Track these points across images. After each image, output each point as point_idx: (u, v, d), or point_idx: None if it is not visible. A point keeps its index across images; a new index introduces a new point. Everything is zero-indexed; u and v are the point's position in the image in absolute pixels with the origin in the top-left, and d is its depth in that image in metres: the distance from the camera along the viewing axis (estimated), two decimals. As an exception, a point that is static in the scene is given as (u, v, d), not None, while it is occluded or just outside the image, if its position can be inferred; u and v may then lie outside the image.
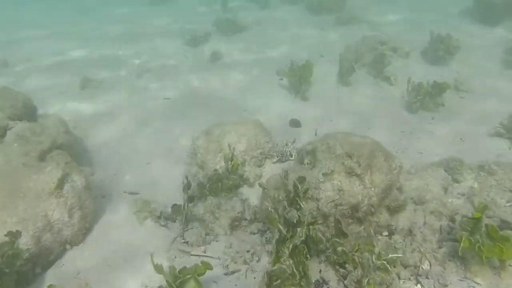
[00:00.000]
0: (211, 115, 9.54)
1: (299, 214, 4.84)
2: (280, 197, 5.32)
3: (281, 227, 4.83)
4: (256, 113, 9.58)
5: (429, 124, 8.84)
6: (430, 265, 5.16)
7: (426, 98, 9.37)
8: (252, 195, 6.75)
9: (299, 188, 4.95)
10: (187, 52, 14.22)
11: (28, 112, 7.71)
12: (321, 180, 5.40)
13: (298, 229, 4.82)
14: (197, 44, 14.73)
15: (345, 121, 9.17)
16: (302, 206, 4.97)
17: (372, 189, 5.39)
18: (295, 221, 4.79)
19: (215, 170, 6.46)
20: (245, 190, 6.85)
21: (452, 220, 5.75)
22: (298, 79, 10.29)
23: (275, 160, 7.33)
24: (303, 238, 4.68)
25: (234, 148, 6.67)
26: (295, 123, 9.16)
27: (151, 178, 7.57)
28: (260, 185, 6.19)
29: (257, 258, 5.45)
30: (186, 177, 6.23)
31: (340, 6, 17.61)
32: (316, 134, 8.71)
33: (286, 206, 4.85)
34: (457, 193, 6.38)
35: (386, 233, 5.62)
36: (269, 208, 4.97)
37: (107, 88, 11.44)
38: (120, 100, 10.73)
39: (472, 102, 9.58)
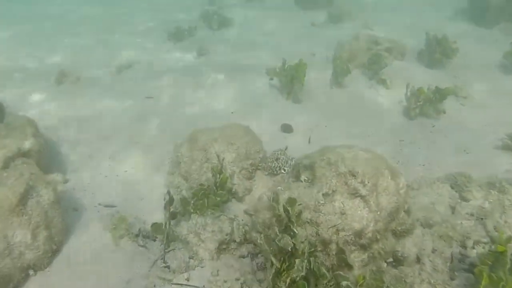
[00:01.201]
0: (196, 118, 8.86)
1: (294, 242, 4.21)
2: (270, 222, 4.67)
3: (274, 259, 4.20)
4: (245, 116, 8.90)
5: (430, 133, 8.31)
6: (441, 299, 4.60)
7: (427, 104, 8.83)
8: (241, 211, 6.11)
9: (290, 211, 4.32)
10: (171, 47, 13.42)
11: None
12: (321, 201, 4.78)
13: (297, 261, 4.19)
14: (182, 38, 13.93)
15: (340, 126, 8.58)
16: (296, 232, 4.34)
17: (378, 212, 4.80)
18: (290, 249, 4.16)
19: (201, 184, 5.77)
20: (233, 205, 6.20)
21: (463, 246, 5.21)
22: (290, 79, 9.63)
23: (266, 172, 6.67)
24: (303, 274, 4.06)
25: (223, 158, 5.98)
26: (287, 128, 8.53)
27: (129, 188, 6.85)
28: (246, 212, 5.54)
29: (247, 289, 4.81)
30: (168, 192, 5.53)
31: (331, 0, 16.98)
32: (309, 142, 8.10)
33: (278, 233, 4.20)
34: (465, 213, 5.86)
35: (391, 260, 5.05)
36: (259, 240, 4.30)
37: (85, 84, 10.59)
38: (99, 97, 9.91)
39: (473, 109, 9.09)
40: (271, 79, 10.48)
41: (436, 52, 10.93)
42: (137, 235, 5.72)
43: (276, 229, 4.32)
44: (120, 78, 10.98)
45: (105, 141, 8.05)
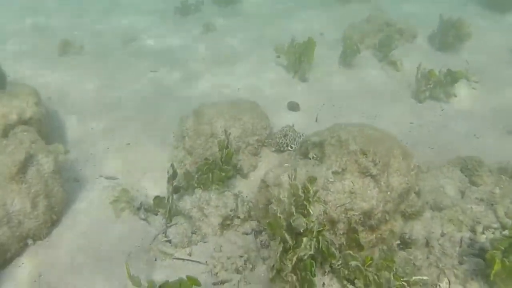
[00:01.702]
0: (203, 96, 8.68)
1: (306, 222, 4.07)
2: (285, 199, 4.51)
3: (287, 236, 4.06)
4: (251, 93, 8.71)
5: (440, 116, 8.11)
6: (450, 284, 4.49)
7: (437, 87, 8.61)
8: (245, 187, 5.99)
9: (310, 190, 4.16)
10: (176, 21, 13.11)
11: (-6, 79, 6.74)
12: (330, 179, 4.63)
13: (305, 239, 4.06)
14: (188, 13, 13.60)
15: (348, 106, 8.38)
16: (311, 212, 4.18)
17: (388, 193, 4.65)
18: (301, 231, 4.02)
19: (206, 159, 5.62)
20: (238, 182, 6.06)
21: (473, 230, 5.07)
22: (298, 57, 9.39)
23: (273, 149, 6.50)
24: (311, 252, 3.93)
25: (230, 133, 5.81)
26: (293, 106, 8.33)
27: (132, 161, 6.70)
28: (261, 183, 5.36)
29: (251, 266, 4.70)
30: (172, 165, 5.38)
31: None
32: (316, 120, 7.92)
33: (294, 212, 4.05)
34: (475, 198, 5.70)
35: (399, 243, 4.93)
36: (278, 213, 4.15)
37: (89, 55, 10.35)
38: (104, 69, 9.70)
39: (485, 94, 8.85)
40: (278, 56, 10.24)
41: (449, 35, 10.62)
42: (138, 209, 5.60)
43: (293, 208, 4.13)
44: (125, 51, 10.73)
45: (109, 114, 7.88)
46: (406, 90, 9.14)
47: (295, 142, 6.41)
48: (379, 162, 4.65)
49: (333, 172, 4.68)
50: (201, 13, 13.73)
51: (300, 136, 6.55)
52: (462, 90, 8.79)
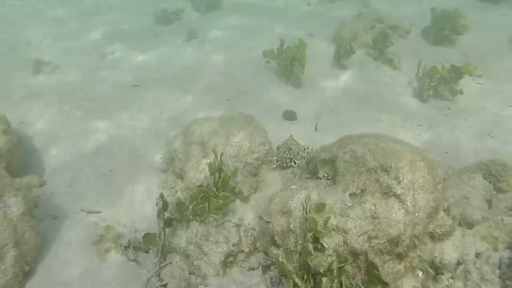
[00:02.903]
0: (188, 104, 7.98)
1: (325, 259, 3.39)
2: (296, 229, 3.83)
3: (298, 282, 3.38)
4: (242, 103, 8.04)
5: (447, 116, 7.52)
6: (495, 316, 3.84)
7: (441, 85, 8.02)
8: (247, 213, 5.29)
9: (319, 220, 3.49)
10: (157, 31, 12.37)
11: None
12: (348, 204, 3.96)
13: (324, 279, 3.38)
14: (169, 22, 12.89)
15: (348, 111, 7.76)
16: (326, 246, 3.51)
17: (416, 214, 3.99)
18: (321, 271, 3.34)
19: (200, 186, 4.91)
20: (238, 207, 5.37)
21: (511, 247, 4.44)
22: (290, 62, 8.75)
23: (274, 166, 5.82)
24: (336, 300, 3.26)
25: (222, 154, 5.11)
26: (290, 116, 7.68)
27: (116, 189, 5.97)
28: (260, 218, 4.68)
29: (262, 312, 4.00)
30: (161, 196, 4.67)
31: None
32: (316, 129, 7.28)
33: (311, 251, 3.37)
34: (503, 207, 5.07)
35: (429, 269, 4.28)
36: (279, 258, 3.47)
37: (65, 73, 9.58)
38: (83, 85, 8.95)
39: (492, 89, 8.29)
40: (268, 61, 9.60)
41: (445, 28, 10.08)
42: (126, 247, 4.87)
43: (310, 247, 3.45)
44: (103, 64, 9.97)
45: (91, 136, 7.13)
46: (407, 89, 8.56)
47: (299, 157, 5.74)
48: (404, 179, 4.00)
49: (350, 195, 4.02)
50: (182, 20, 13.02)
51: (304, 149, 5.87)
52: (467, 86, 8.19)
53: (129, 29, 12.29)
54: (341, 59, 9.38)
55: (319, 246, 3.54)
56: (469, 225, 4.69)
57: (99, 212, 5.63)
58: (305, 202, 3.75)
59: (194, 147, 5.57)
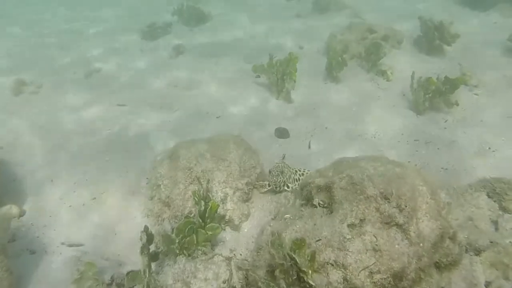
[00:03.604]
0: (175, 124, 7.65)
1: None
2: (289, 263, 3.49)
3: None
4: (232, 121, 7.74)
5: (445, 130, 7.24)
6: None
7: (436, 96, 7.77)
8: (238, 242, 4.95)
9: (297, 259, 3.17)
10: (144, 47, 12.07)
11: None
12: (347, 236, 3.63)
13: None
14: (156, 37, 12.61)
15: (342, 127, 7.47)
16: (313, 284, 3.19)
17: (421, 244, 3.68)
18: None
19: (186, 217, 4.57)
20: (228, 236, 5.03)
21: (522, 275, 4.13)
22: (281, 76, 8.47)
23: (265, 189, 5.49)
24: None
25: (208, 180, 4.78)
26: (282, 133, 7.38)
27: (99, 220, 5.61)
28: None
29: None
30: (145, 229, 4.32)
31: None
32: (309, 147, 6.98)
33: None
34: (511, 228, 4.78)
35: (436, 302, 3.94)
36: None
37: (47, 93, 9.23)
38: (63, 107, 8.61)
39: (489, 99, 8.05)
40: (258, 76, 9.36)
41: (435, 39, 9.88)
42: (109, 285, 4.51)
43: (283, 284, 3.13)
44: (88, 83, 9.64)
45: (71, 162, 6.78)
46: (401, 101, 8.30)
47: (291, 180, 5.41)
48: (406, 206, 3.69)
49: (349, 225, 3.70)
50: (170, 35, 12.74)
51: (295, 171, 5.56)
52: (463, 97, 7.95)
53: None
54: (333, 71, 9.13)
55: (307, 286, 3.21)
56: (476, 251, 4.38)
57: (82, 244, 5.26)
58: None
59: (181, 173, 5.23)
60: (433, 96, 7.78)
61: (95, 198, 5.94)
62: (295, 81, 8.46)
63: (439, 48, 10.14)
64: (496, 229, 4.83)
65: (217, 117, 7.96)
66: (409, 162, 6.38)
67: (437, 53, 10.19)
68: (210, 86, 9.19)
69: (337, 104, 8.24)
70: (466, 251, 4.40)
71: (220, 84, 9.21)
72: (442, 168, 6.23)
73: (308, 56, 10.39)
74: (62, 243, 5.29)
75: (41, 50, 12.03)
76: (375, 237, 3.64)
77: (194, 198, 4.60)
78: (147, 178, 6.18)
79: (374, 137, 7.14)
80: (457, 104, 7.72)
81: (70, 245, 5.24)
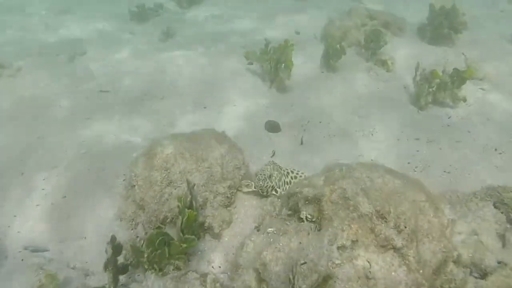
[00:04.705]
0: (158, 115, 7.12)
1: None
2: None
3: None
4: (220, 111, 7.20)
5: (448, 127, 6.73)
6: None
7: (441, 90, 7.23)
8: (217, 252, 4.48)
9: None
10: (132, 29, 11.41)
11: None
12: (336, 260, 3.15)
13: None
14: (146, 19, 11.93)
15: (338, 121, 6.95)
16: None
17: (421, 271, 3.20)
18: None
19: (158, 227, 4.08)
20: (207, 245, 4.55)
21: (533, 302, 3.67)
22: (275, 64, 7.90)
23: (249, 190, 4.97)
24: None
25: (194, 185, 4.26)
26: (273, 127, 6.85)
27: (68, 222, 5.12)
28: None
29: None
30: (112, 240, 3.82)
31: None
32: (302, 143, 6.47)
33: None
34: (520, 244, 4.31)
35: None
36: None
37: (27, 77, 8.61)
38: (47, 89, 8.02)
39: (496, 94, 7.53)
40: (250, 63, 8.78)
41: (444, 26, 9.27)
42: (72, 299, 4.04)
43: None
44: (71, 67, 9.03)
45: (42, 152, 6.25)
46: (402, 95, 7.78)
47: (281, 183, 4.91)
48: (405, 227, 3.20)
49: (339, 248, 3.21)
50: (160, 17, 12.06)
51: (287, 173, 5.05)
52: (468, 92, 7.40)
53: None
54: (330, 60, 8.55)
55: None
56: (482, 272, 3.91)
57: (46, 250, 4.78)
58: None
59: (157, 174, 4.72)
60: (437, 90, 7.25)
61: (65, 196, 5.43)
62: (290, 70, 7.89)
63: (448, 37, 9.54)
64: (504, 245, 4.36)
65: (204, 107, 7.41)
66: (408, 163, 5.90)
67: (443, 41, 9.62)
68: (201, 70, 8.61)
69: (332, 95, 7.70)
70: (471, 273, 3.92)
71: (211, 68, 8.63)
72: (444, 171, 5.73)
73: (305, 42, 9.76)
74: (25, 248, 4.81)
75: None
76: (369, 262, 3.15)
77: (178, 205, 4.08)
78: (124, 175, 5.67)
79: (372, 134, 6.63)
80: (465, 100, 7.19)
81: (34, 251, 4.75)
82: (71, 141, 6.46)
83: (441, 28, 9.31)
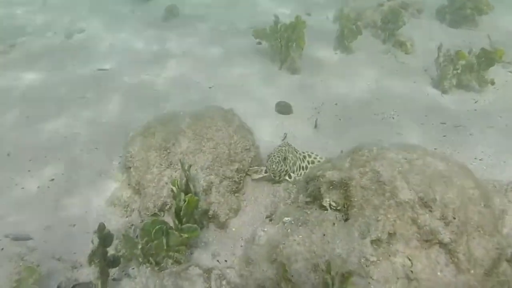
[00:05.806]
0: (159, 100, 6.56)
1: None
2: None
3: None
4: (226, 93, 6.63)
5: (475, 111, 6.15)
6: None
7: (466, 73, 6.63)
8: (223, 244, 3.92)
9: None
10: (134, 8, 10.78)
11: None
12: (370, 257, 2.58)
13: None
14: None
15: (355, 104, 6.38)
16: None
17: (472, 271, 2.63)
18: None
19: (155, 214, 3.52)
20: (211, 236, 3.99)
21: None
22: (285, 43, 7.29)
23: (259, 176, 4.40)
24: None
25: (190, 166, 3.68)
26: (284, 109, 6.28)
27: (56, 206, 4.57)
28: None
29: None
30: (100, 228, 3.26)
31: None
32: (316, 126, 5.89)
33: None
34: None
35: None
36: None
37: (23, 55, 8.03)
38: (43, 68, 7.46)
39: (527, 78, 6.92)
40: (259, 42, 8.18)
41: (467, 7, 8.64)
42: (54, 296, 3.50)
43: None
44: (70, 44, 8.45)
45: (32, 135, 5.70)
46: (423, 77, 7.20)
47: (296, 168, 4.33)
48: (454, 218, 2.62)
49: (373, 242, 2.63)
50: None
51: (304, 157, 4.47)
52: (495, 75, 6.79)
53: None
54: (345, 40, 7.94)
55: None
56: (533, 273, 3.33)
57: (30, 238, 4.23)
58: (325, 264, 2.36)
59: (155, 154, 4.15)
60: (462, 72, 6.64)
61: (53, 179, 4.88)
62: (302, 49, 7.29)
63: (470, 19, 8.90)
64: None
65: (209, 87, 6.83)
66: (435, 149, 5.31)
67: (465, 24, 9.00)
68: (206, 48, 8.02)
69: (347, 76, 7.11)
70: (519, 272, 3.35)
71: (216, 48, 8.04)
72: (475, 158, 5.15)
73: (317, 23, 9.15)
74: (7, 235, 4.26)
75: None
76: (410, 260, 2.58)
77: (172, 190, 3.51)
78: (120, 157, 5.11)
79: (393, 118, 6.05)
80: (493, 83, 6.59)
81: (15, 238, 4.20)
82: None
83: (464, 8, 8.67)
